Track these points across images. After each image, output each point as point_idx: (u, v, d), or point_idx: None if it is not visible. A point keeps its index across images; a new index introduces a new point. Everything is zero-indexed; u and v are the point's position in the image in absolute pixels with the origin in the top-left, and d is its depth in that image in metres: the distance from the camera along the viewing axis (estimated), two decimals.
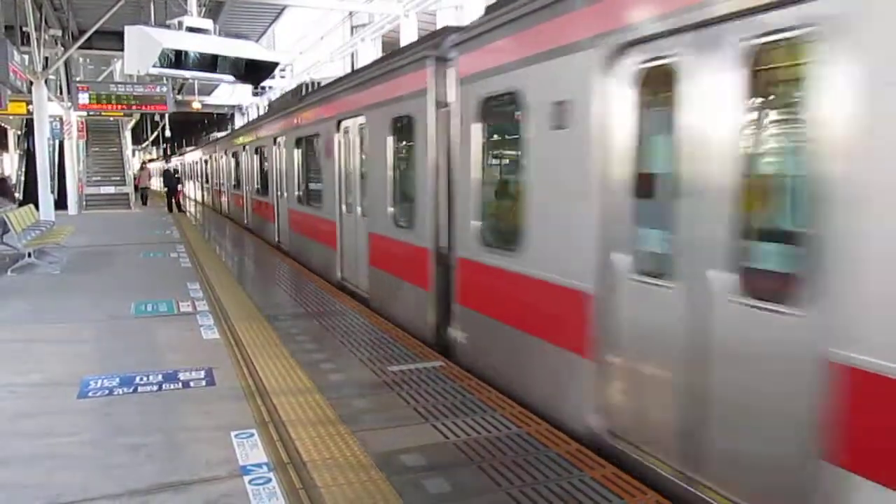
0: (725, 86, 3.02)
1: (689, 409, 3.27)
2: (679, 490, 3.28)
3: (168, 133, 43.73)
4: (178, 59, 9.25)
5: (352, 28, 25.97)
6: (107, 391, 4.84)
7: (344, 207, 9.01)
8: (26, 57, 18.36)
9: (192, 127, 54.09)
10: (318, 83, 13.38)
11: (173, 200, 24.57)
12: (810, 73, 2.67)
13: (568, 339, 4.13)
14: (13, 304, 7.97)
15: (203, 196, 29.23)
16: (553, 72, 4.18)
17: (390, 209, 7.10)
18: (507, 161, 5.54)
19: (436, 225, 5.99)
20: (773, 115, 3.24)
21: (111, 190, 26.81)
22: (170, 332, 6.57)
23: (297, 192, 11.83)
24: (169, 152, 59.68)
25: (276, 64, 12.20)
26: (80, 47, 21.77)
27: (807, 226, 2.71)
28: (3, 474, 3.56)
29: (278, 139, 13.22)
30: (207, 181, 27.41)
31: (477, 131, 5.25)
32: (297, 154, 11.71)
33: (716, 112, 3.08)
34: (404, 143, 6.94)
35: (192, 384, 4.98)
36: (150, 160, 50.64)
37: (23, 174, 26.69)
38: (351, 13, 24.58)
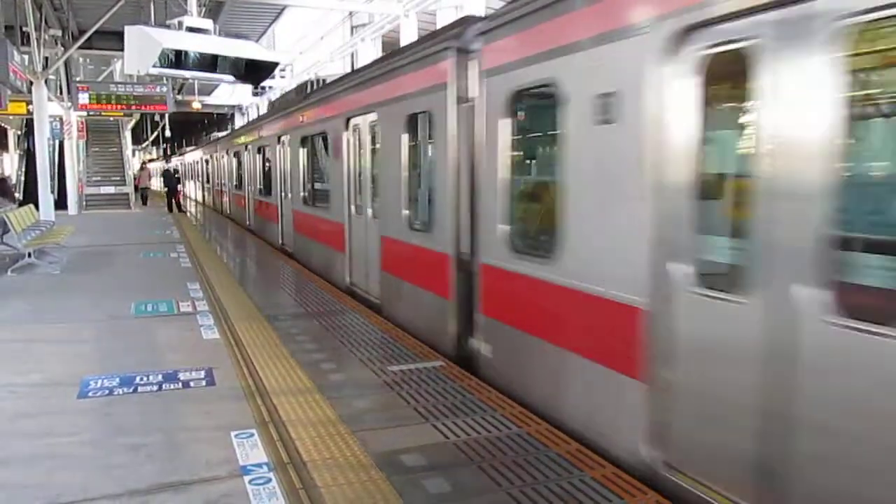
0: (819, 73, 2.60)
1: (770, 442, 2.86)
2: None
3: (168, 133, 43.81)
4: (178, 59, 9.27)
5: (352, 28, 25.93)
6: (107, 391, 4.84)
7: (353, 209, 8.64)
8: (26, 57, 18.37)
9: (192, 127, 54.14)
10: (324, 80, 13.03)
11: (173, 200, 24.58)
12: None
13: (615, 359, 3.70)
14: (13, 304, 7.97)
15: (204, 196, 29.13)
16: (599, 60, 3.76)
17: (405, 211, 6.73)
18: (542, 160, 5.20)
19: (457, 228, 5.61)
20: (881, 106, 2.89)
21: (111, 190, 26.84)
22: (170, 332, 6.57)
23: (302, 193, 11.45)
24: (169, 152, 59.72)
25: (276, 64, 12.20)
26: (80, 47, 21.79)
27: None
28: (3, 474, 3.56)
29: (282, 138, 12.88)
30: (208, 181, 27.30)
31: (505, 127, 4.86)
32: (302, 153, 11.31)
33: (807, 104, 2.67)
34: (421, 141, 6.64)
35: (192, 384, 4.98)
36: (150, 160, 50.68)
37: (23, 174, 26.73)
38: (351, 13, 24.57)
